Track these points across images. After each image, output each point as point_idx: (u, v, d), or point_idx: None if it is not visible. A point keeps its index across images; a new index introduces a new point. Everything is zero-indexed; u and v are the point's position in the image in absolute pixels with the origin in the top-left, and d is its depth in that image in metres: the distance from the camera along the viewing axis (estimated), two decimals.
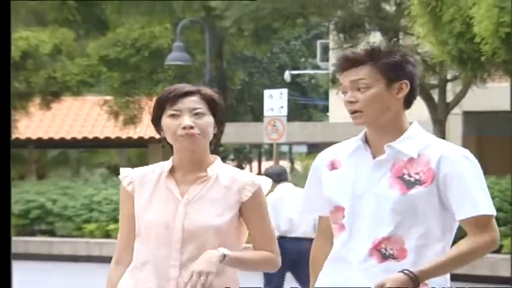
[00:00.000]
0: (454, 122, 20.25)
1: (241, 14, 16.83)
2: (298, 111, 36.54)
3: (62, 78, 19.78)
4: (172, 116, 3.03)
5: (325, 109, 27.36)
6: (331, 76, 19.22)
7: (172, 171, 3.09)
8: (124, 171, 3.18)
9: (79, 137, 25.87)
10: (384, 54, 2.96)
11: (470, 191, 2.89)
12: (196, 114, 3.03)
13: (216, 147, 3.23)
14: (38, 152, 27.62)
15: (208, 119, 3.04)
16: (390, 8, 18.03)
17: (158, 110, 3.07)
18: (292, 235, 8.56)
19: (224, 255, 2.94)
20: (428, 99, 17.82)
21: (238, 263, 3.03)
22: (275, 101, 16.27)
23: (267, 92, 16.86)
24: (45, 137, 25.84)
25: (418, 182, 2.90)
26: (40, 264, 16.36)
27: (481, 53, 11.36)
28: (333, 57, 19.19)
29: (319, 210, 3.11)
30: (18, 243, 16.45)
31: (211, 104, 3.07)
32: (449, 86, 18.22)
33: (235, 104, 29.92)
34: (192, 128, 3.00)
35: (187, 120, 3.01)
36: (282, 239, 7.78)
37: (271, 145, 22.30)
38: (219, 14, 17.31)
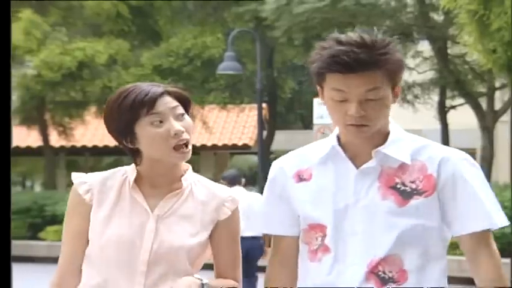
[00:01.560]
0: (502, 130, 20.31)
1: (291, 24, 17.12)
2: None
3: (117, 88, 20.19)
4: (154, 123, 2.49)
5: None
6: None
7: (137, 181, 2.56)
8: (78, 176, 2.62)
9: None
10: (389, 51, 2.46)
11: (481, 200, 2.47)
12: (178, 115, 2.52)
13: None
14: (93, 160, 28.22)
15: (190, 120, 2.54)
16: (438, 17, 18.18)
17: (128, 115, 2.49)
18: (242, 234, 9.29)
19: (202, 285, 2.49)
20: (477, 107, 17.96)
21: None
22: (324, 109, 16.45)
23: (316, 100, 17.13)
24: (101, 144, 26.35)
25: (416, 192, 2.46)
26: None
27: None
28: None
29: (283, 229, 2.60)
30: None
31: (184, 102, 2.55)
32: (497, 94, 18.35)
33: (285, 112, 30.23)
34: (183, 133, 2.50)
35: (176, 124, 2.49)
36: None
37: None
38: (270, 24, 17.61)
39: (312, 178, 2.54)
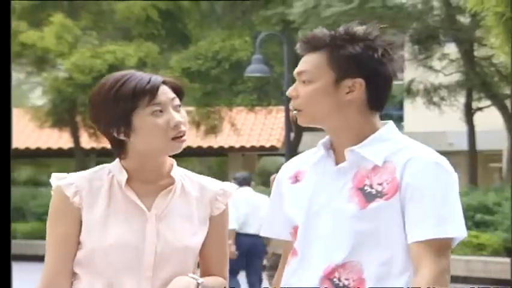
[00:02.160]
0: None
1: (318, 26, 17.24)
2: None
3: None
4: (155, 113, 2.35)
5: (400, 119, 27.55)
6: (406, 86, 19.52)
7: (127, 178, 2.40)
8: (61, 177, 2.42)
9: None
10: (344, 41, 2.35)
11: (429, 207, 2.26)
12: (176, 106, 2.40)
13: None
14: None
15: (184, 112, 2.43)
16: (465, 19, 18.24)
17: (128, 103, 2.32)
18: (245, 231, 10.14)
19: (198, 284, 2.36)
20: (503, 109, 18.03)
21: None
22: None
23: None
24: None
25: (379, 195, 2.30)
26: None
27: None
28: (407, 68, 19.50)
29: (280, 232, 2.51)
30: None
31: (180, 94, 2.43)
32: None
33: None
34: (181, 124, 2.38)
35: (176, 115, 2.37)
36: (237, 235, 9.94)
37: None
38: (297, 27, 17.77)
39: (303, 179, 2.44)
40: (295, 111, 2.40)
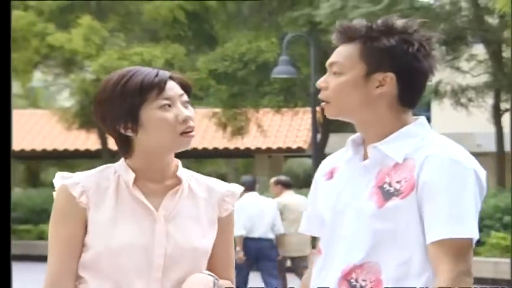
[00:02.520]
0: None
1: None
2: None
3: None
4: (163, 107, 2.29)
5: (428, 120, 27.51)
6: (433, 87, 19.44)
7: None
8: (66, 176, 2.35)
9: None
10: (379, 33, 2.29)
11: (447, 206, 2.19)
12: (184, 102, 2.34)
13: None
14: None
15: (192, 109, 2.37)
16: (493, 20, 18.15)
17: (137, 98, 2.27)
18: (251, 236, 10.35)
19: (215, 282, 2.32)
20: None
21: None
22: None
23: None
24: None
25: (396, 193, 2.24)
26: None
27: None
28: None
29: (315, 230, 2.46)
30: None
31: (188, 91, 2.37)
32: None
33: None
34: (190, 119, 2.32)
35: (185, 110, 2.31)
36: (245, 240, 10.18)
37: None
38: (324, 28, 17.75)
39: (335, 176, 2.40)
40: (323, 103, 2.35)
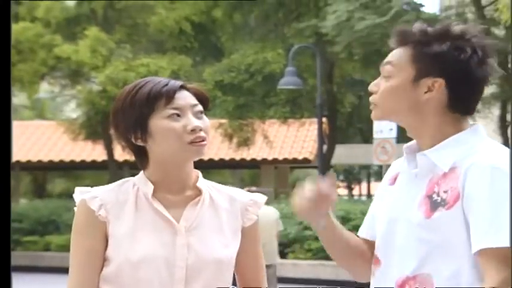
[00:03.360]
0: None
1: (351, 39, 17.25)
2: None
3: None
4: (171, 116, 2.28)
5: None
6: None
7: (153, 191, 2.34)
8: (84, 191, 2.36)
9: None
10: (432, 37, 2.26)
11: (488, 215, 2.13)
12: (197, 112, 2.31)
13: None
14: None
15: (207, 120, 2.33)
16: (499, 31, 18.15)
17: (144, 107, 2.27)
18: None
19: None
20: None
21: None
22: (384, 123, 16.56)
23: None
24: None
25: (443, 203, 2.19)
26: None
27: None
28: None
29: (371, 235, 2.43)
30: None
31: (203, 101, 2.35)
32: None
33: (345, 126, 30.31)
34: (201, 130, 2.29)
35: (195, 120, 2.28)
36: None
37: (380, 166, 22.54)
38: (330, 40, 17.76)
39: (396, 183, 2.37)
40: (371, 106, 2.33)
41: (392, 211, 2.30)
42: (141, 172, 2.36)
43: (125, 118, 2.30)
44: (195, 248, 2.29)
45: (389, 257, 2.28)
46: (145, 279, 2.26)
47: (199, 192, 2.34)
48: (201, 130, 2.27)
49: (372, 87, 2.33)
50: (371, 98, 2.33)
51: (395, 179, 2.38)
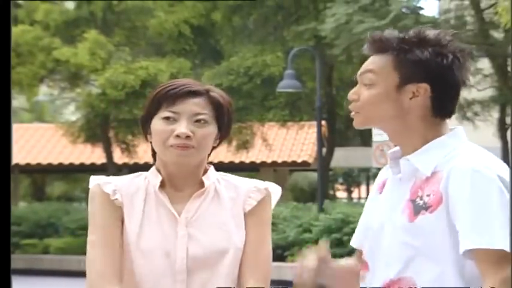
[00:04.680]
0: None
1: (350, 42, 17.28)
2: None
3: None
4: (166, 119, 2.36)
5: None
6: None
7: (162, 185, 2.42)
8: (99, 179, 2.41)
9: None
10: (412, 44, 2.27)
11: (470, 218, 2.14)
12: (198, 121, 2.37)
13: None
14: None
15: (211, 129, 2.38)
16: (498, 34, 18.15)
17: (152, 107, 2.39)
18: None
19: None
20: None
21: None
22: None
23: None
24: None
25: (425, 207, 2.21)
26: None
27: None
28: None
29: (362, 243, 2.44)
30: None
31: (218, 109, 2.40)
32: None
33: (344, 129, 30.32)
34: (188, 137, 2.34)
35: (183, 127, 2.34)
36: None
37: (379, 169, 22.46)
38: (329, 43, 17.77)
39: (384, 189, 2.39)
40: (352, 113, 2.35)
41: (379, 217, 2.33)
42: (153, 166, 2.46)
43: (144, 115, 2.43)
44: (197, 238, 2.34)
45: (376, 262, 2.30)
46: (148, 269, 2.31)
47: (203, 186, 2.41)
48: (188, 137, 2.33)
49: (351, 95, 2.33)
50: (352, 106, 2.34)
51: (383, 185, 2.40)
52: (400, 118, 2.28)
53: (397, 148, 2.35)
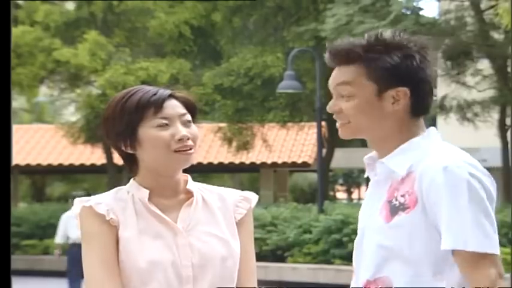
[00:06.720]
0: None
1: None
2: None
3: None
4: (160, 125, 2.33)
5: None
6: (438, 102, 19.44)
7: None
8: (84, 200, 2.36)
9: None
10: (378, 52, 2.29)
11: (445, 217, 2.18)
12: (186, 121, 2.37)
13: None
14: None
15: (196, 128, 2.40)
16: (499, 35, 18.15)
17: (135, 117, 2.32)
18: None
19: None
20: None
21: None
22: None
23: None
24: None
25: (401, 207, 2.25)
26: None
27: None
28: (441, 84, 19.39)
29: None
30: None
31: (192, 109, 2.41)
32: None
33: None
34: (188, 139, 2.35)
35: (183, 129, 2.35)
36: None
37: None
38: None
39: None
40: (338, 124, 2.36)
41: (361, 220, 2.37)
42: (132, 180, 2.40)
43: (115, 126, 2.34)
44: (197, 247, 2.34)
45: (359, 263, 2.34)
46: (154, 283, 2.29)
47: (190, 195, 2.40)
48: (188, 139, 2.34)
49: (333, 108, 2.34)
50: (338, 118, 2.35)
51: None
52: (385, 123, 2.31)
53: (373, 153, 2.39)
